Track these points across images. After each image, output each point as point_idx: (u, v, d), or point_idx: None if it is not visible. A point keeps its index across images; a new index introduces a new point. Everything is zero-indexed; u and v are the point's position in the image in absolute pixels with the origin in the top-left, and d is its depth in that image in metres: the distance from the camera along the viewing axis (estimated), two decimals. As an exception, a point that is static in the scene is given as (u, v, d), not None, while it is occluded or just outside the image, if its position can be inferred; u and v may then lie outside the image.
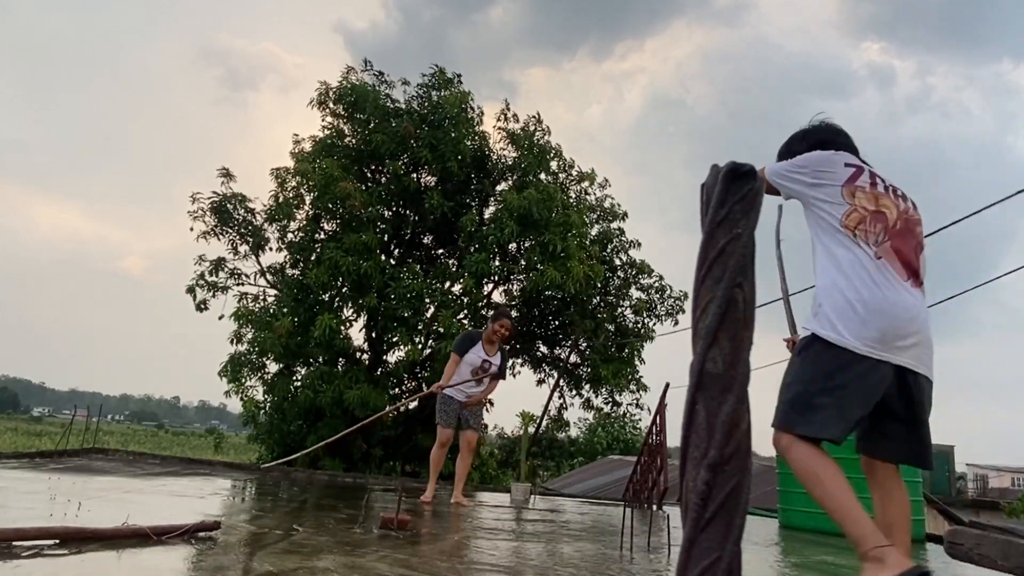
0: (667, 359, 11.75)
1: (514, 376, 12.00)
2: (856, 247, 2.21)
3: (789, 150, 2.55)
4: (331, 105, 10.46)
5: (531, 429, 10.64)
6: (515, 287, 10.88)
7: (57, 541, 2.38)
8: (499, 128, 10.70)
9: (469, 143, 10.31)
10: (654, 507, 6.73)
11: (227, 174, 10.42)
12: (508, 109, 10.69)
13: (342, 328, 9.52)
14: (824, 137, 2.51)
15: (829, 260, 2.25)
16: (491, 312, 5.78)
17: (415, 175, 10.46)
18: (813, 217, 2.34)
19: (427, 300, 9.71)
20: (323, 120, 10.68)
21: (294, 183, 10.19)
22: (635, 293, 11.84)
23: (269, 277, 10.62)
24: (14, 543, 2.29)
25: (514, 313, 11.52)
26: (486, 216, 10.46)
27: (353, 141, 10.53)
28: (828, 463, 2.06)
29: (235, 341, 9.85)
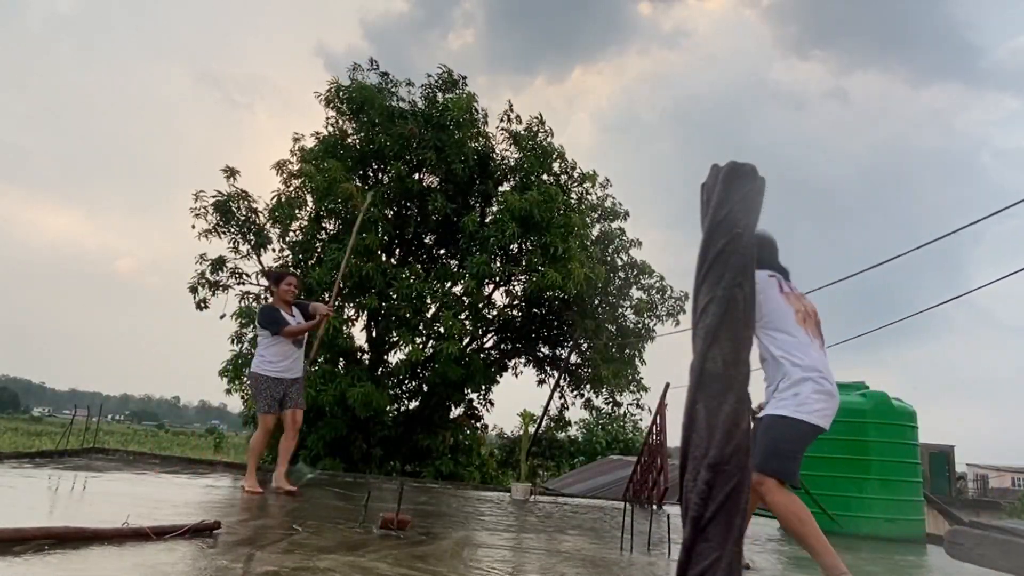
0: (668, 359, 11.75)
1: (516, 376, 12.01)
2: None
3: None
4: (339, 104, 10.44)
5: (531, 429, 10.63)
6: (516, 288, 10.87)
7: (57, 541, 2.39)
8: (502, 129, 10.69)
9: (473, 145, 10.29)
10: (654, 507, 6.74)
11: (231, 173, 10.39)
12: (511, 110, 10.68)
13: (344, 327, 9.52)
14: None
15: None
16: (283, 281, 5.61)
17: (417, 176, 10.45)
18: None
19: (428, 300, 9.70)
20: (327, 119, 10.66)
21: (297, 183, 10.18)
22: (636, 293, 11.83)
23: (271, 276, 10.59)
24: (14, 543, 2.29)
25: (516, 313, 11.52)
26: (487, 217, 10.44)
27: (357, 141, 10.51)
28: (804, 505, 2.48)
29: (235, 341, 9.85)
